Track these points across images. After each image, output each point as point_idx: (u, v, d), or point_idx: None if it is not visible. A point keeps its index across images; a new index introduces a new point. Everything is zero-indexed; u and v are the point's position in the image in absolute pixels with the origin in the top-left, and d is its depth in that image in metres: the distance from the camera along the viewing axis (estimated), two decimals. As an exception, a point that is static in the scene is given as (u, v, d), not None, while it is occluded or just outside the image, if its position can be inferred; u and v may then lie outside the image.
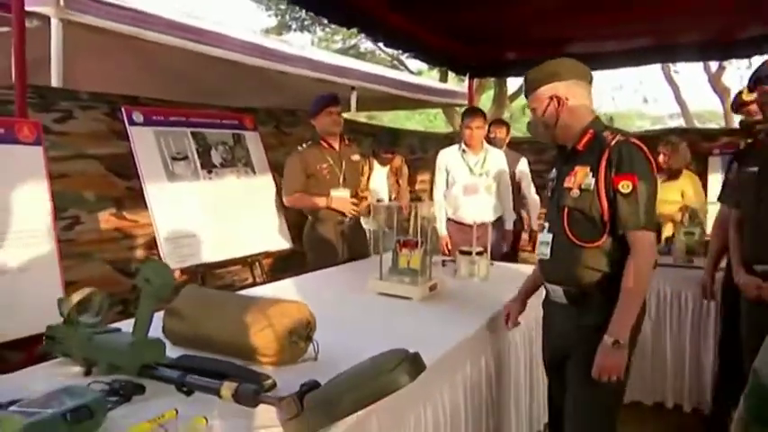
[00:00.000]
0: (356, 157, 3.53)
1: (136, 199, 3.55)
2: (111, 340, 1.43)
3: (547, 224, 1.90)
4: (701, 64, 12.84)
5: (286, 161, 3.36)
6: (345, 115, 5.90)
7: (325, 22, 16.35)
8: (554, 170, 1.95)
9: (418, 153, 6.53)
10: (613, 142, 1.71)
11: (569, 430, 1.83)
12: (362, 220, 3.46)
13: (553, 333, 1.95)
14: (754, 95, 2.47)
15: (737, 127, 3.33)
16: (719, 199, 2.63)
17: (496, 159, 3.89)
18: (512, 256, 4.22)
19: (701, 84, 13.76)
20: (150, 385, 1.36)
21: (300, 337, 1.58)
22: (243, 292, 2.23)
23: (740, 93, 2.69)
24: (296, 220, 3.78)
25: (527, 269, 3.11)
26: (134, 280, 1.41)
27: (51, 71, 3.40)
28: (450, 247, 3.62)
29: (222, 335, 1.57)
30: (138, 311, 1.41)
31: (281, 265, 3.70)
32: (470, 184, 3.81)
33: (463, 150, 3.83)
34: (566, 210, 1.78)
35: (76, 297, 1.52)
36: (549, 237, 1.86)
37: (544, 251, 1.87)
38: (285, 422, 1.15)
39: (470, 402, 1.90)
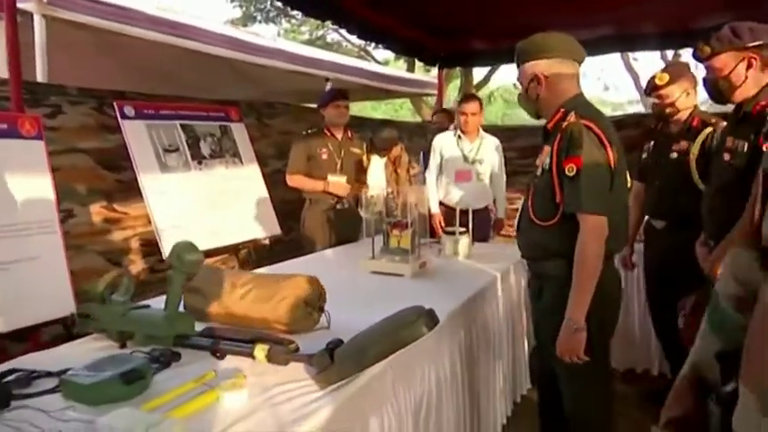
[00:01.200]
0: (356, 150, 3.75)
1: (125, 191, 3.65)
2: (146, 314, 1.57)
3: (522, 201, 2.00)
4: (658, 53, 13.29)
5: (292, 144, 3.65)
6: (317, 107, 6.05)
7: (292, 13, 16.37)
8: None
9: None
10: (565, 124, 1.73)
11: (566, 395, 1.90)
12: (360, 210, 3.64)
13: (531, 306, 2.08)
14: (666, 78, 2.64)
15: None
16: (635, 178, 2.87)
17: (491, 147, 3.96)
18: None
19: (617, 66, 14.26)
20: (184, 353, 1.51)
21: (314, 307, 1.74)
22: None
23: (654, 77, 2.73)
24: (285, 208, 3.92)
25: (506, 248, 3.33)
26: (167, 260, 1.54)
27: (36, 66, 3.45)
28: (442, 225, 3.70)
29: (241, 307, 1.72)
30: (170, 287, 1.55)
31: (271, 252, 3.83)
32: (464, 170, 3.89)
33: (459, 136, 3.91)
34: (531, 188, 1.87)
35: (108, 278, 1.65)
36: (519, 212, 1.97)
37: (516, 225, 1.99)
38: (317, 375, 1.31)
39: (465, 364, 2.10)
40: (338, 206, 3.62)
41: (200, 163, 3.32)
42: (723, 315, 0.67)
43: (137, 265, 3.73)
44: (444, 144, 3.99)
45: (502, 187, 4.05)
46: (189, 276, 1.54)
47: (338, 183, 3.58)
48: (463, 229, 2.99)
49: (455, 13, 5.04)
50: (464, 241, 2.97)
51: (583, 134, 1.67)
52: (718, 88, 2.12)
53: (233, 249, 3.57)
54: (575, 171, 1.66)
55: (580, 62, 1.86)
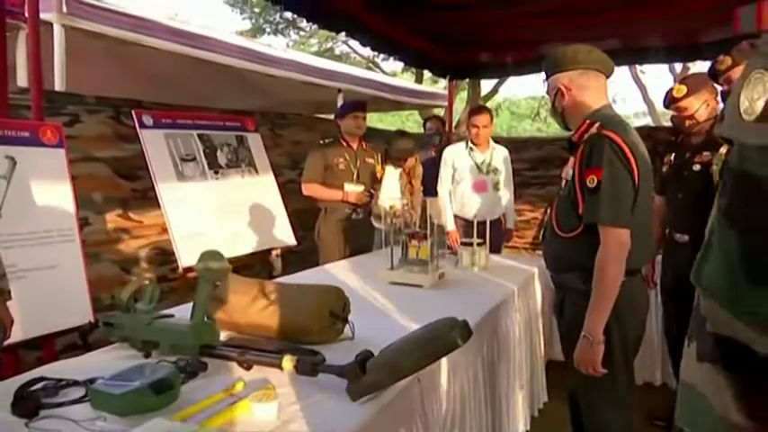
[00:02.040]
0: (371, 160, 3.77)
1: (140, 200, 3.65)
2: (172, 324, 1.55)
3: (549, 213, 2.03)
4: (666, 65, 13.32)
5: (308, 153, 3.68)
6: (331, 117, 6.07)
7: (301, 25, 16.50)
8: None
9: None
10: (587, 135, 1.73)
11: (583, 408, 1.89)
12: (373, 220, 3.62)
13: (556, 318, 2.04)
14: (684, 90, 2.62)
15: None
16: (655, 191, 2.85)
17: (501, 157, 3.97)
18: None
19: (668, 84, 14.30)
20: (211, 363, 1.49)
21: (338, 318, 1.72)
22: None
23: (671, 89, 2.71)
24: (297, 218, 3.92)
25: (522, 260, 3.32)
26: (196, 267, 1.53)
27: (55, 76, 3.47)
28: (458, 242, 3.63)
29: (265, 318, 1.70)
30: (197, 296, 1.54)
31: (284, 262, 3.82)
32: (479, 181, 3.88)
33: (470, 148, 3.91)
34: (556, 199, 1.89)
35: (132, 287, 1.64)
36: (546, 223, 1.99)
37: (542, 237, 2.03)
38: (348, 386, 1.29)
39: (487, 377, 2.07)
40: (353, 216, 3.62)
41: (216, 172, 3.32)
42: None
43: (149, 273, 3.73)
44: (456, 156, 3.98)
45: (510, 198, 4.05)
46: (215, 285, 1.52)
47: (355, 191, 3.59)
48: (480, 241, 2.97)
49: (465, 26, 5.08)
50: (482, 253, 2.95)
51: (604, 146, 1.65)
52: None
53: (249, 258, 3.56)
54: (595, 183, 1.65)
55: (607, 74, 1.84)
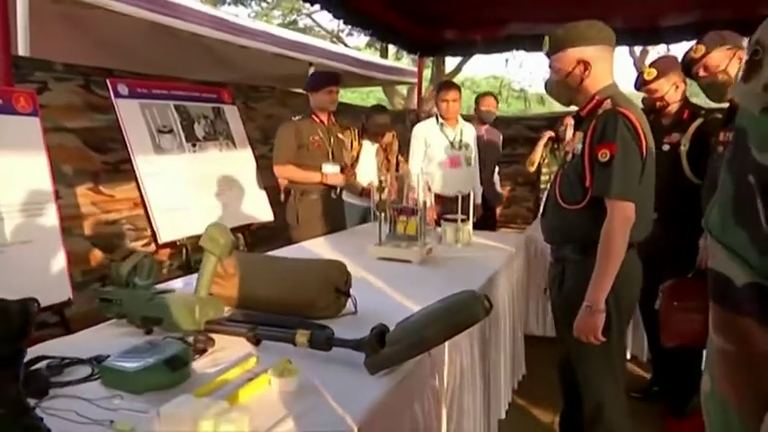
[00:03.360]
0: (341, 137, 3.65)
1: (111, 173, 3.52)
2: (174, 299, 1.50)
3: (549, 186, 2.01)
4: (626, 48, 13.55)
5: (278, 130, 3.40)
6: (303, 91, 5.96)
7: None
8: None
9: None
10: (601, 111, 1.76)
11: (579, 377, 1.94)
12: (347, 197, 3.56)
13: (551, 289, 2.05)
14: (654, 73, 2.72)
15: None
16: None
17: (470, 133, 4.03)
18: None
19: (627, 66, 14.55)
20: (217, 339, 1.46)
21: (341, 292, 1.71)
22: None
23: (642, 72, 2.81)
24: (270, 194, 3.84)
25: (504, 235, 3.36)
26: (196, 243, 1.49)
27: (18, 41, 3.28)
28: (436, 217, 3.57)
29: (268, 293, 1.68)
30: (201, 270, 1.50)
31: (264, 237, 3.76)
32: (454, 156, 3.91)
33: (441, 124, 3.93)
34: (560, 172, 1.91)
35: (131, 262, 1.58)
36: (546, 197, 1.99)
37: (543, 210, 2.02)
38: (367, 360, 1.29)
39: (481, 349, 2.10)
40: (333, 195, 3.51)
41: (194, 145, 3.22)
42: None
43: (122, 249, 3.61)
44: (428, 133, 3.98)
45: (477, 173, 4.13)
46: (222, 258, 1.48)
47: (335, 174, 3.44)
48: (464, 217, 2.98)
49: (435, 2, 5.06)
50: (465, 229, 2.97)
51: (618, 121, 1.69)
52: (716, 87, 2.27)
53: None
54: (608, 157, 1.69)
55: (614, 49, 1.90)
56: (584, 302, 1.74)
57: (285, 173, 3.40)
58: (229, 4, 16.44)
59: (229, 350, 1.43)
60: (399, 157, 4.54)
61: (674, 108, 2.76)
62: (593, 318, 1.73)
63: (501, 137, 4.69)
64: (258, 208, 3.59)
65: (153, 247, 3.72)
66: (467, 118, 4.26)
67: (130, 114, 2.93)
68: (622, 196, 1.69)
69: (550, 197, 1.93)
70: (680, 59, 2.58)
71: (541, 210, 2.03)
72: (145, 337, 1.51)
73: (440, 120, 3.95)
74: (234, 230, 3.57)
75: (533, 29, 5.51)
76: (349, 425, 1.10)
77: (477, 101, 4.62)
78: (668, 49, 13.38)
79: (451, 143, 3.93)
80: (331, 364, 1.36)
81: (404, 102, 14.26)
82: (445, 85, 4.10)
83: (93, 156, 3.37)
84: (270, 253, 2.75)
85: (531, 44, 6.01)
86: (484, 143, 4.40)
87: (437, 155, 3.94)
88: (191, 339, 1.41)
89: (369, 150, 4.33)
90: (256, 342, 1.45)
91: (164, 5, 4.22)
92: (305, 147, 3.38)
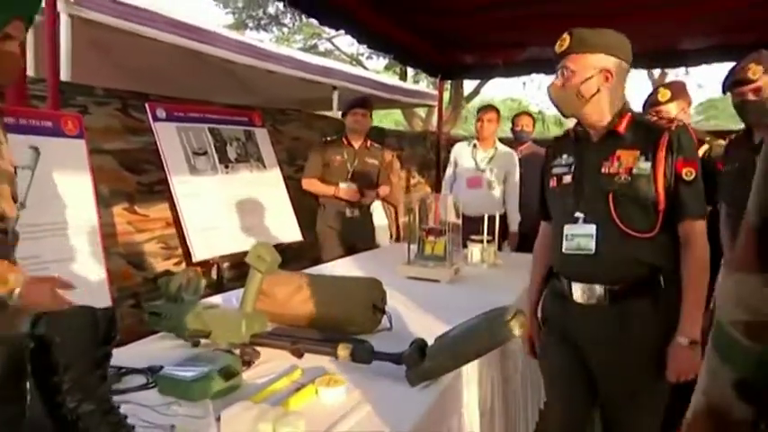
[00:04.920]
0: (372, 161, 3.78)
1: (146, 194, 3.64)
2: (222, 314, 1.58)
3: (581, 215, 1.68)
4: (644, 71, 13.59)
5: (311, 150, 3.74)
6: (327, 114, 6.10)
7: (284, 21, 16.43)
8: (564, 157, 1.79)
9: (396, 151, 6.75)
10: (674, 127, 1.64)
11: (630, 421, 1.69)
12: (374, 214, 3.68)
13: (581, 339, 1.73)
14: (668, 95, 2.71)
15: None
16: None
17: (506, 158, 4.00)
18: None
19: (646, 88, 14.60)
20: (262, 351, 1.53)
21: (378, 308, 1.77)
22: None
23: (656, 92, 2.76)
24: (305, 213, 3.96)
25: (526, 256, 3.35)
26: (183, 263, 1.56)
27: (61, 66, 3.43)
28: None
29: (307, 309, 1.74)
30: (248, 286, 1.57)
31: (293, 256, 3.84)
32: (473, 177, 3.96)
33: (474, 145, 4.01)
34: (611, 196, 1.62)
35: (180, 278, 1.66)
36: (590, 228, 1.65)
37: (584, 245, 1.66)
38: (408, 372, 1.34)
39: (512, 370, 2.14)
40: (348, 213, 3.66)
41: (226, 167, 3.33)
42: (733, 344, 0.61)
43: (155, 267, 3.71)
44: (459, 152, 4.09)
45: (514, 201, 4.03)
46: (268, 274, 1.56)
47: (348, 189, 3.63)
48: (489, 238, 3.04)
49: (456, 27, 5.19)
50: (491, 250, 3.02)
51: (692, 138, 1.64)
52: (760, 109, 2.20)
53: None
54: (693, 175, 1.59)
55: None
56: (682, 339, 1.55)
57: (309, 186, 3.68)
58: (251, 29, 16.86)
59: (274, 363, 1.50)
60: (411, 178, 4.67)
61: None
62: (695, 352, 1.53)
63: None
64: (287, 228, 3.69)
65: (183, 265, 3.83)
66: (507, 141, 4.26)
67: (168, 137, 3.05)
68: (704, 215, 1.62)
69: (604, 228, 1.64)
70: (725, 77, 2.47)
71: (579, 245, 1.69)
72: (192, 350, 1.59)
73: (473, 141, 4.04)
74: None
75: (552, 52, 5.62)
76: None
77: (513, 121, 4.58)
78: (687, 71, 13.46)
79: (477, 164, 3.98)
80: (372, 376, 1.42)
81: (422, 123, 14.40)
82: (485, 106, 4.22)
83: (128, 177, 3.49)
84: (303, 272, 2.84)
85: (550, 67, 6.10)
86: (524, 161, 4.24)
87: (463, 174, 4.01)
88: (237, 352, 1.48)
89: None
90: (299, 355, 1.51)
91: (195, 32, 4.38)
92: (327, 165, 3.65)
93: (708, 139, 2.76)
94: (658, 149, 1.61)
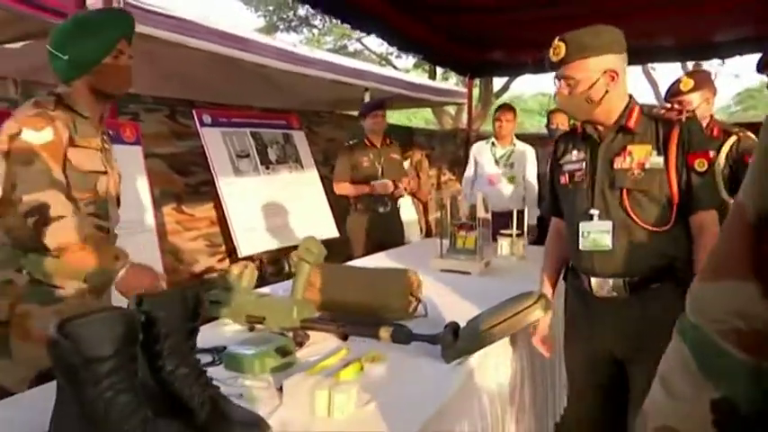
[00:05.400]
0: (395, 156, 3.99)
1: (192, 194, 3.88)
2: (275, 301, 1.77)
3: (596, 211, 1.69)
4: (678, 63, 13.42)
5: (338, 155, 3.89)
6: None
7: (314, 23, 16.70)
8: (574, 153, 1.79)
9: (426, 149, 6.90)
10: (683, 119, 1.63)
11: None
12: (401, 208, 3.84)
13: (606, 332, 1.75)
14: (691, 84, 2.61)
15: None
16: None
17: (523, 155, 4.19)
18: None
19: (637, 75, 14.37)
20: (311, 335, 1.71)
21: (414, 296, 1.93)
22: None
23: (678, 81, 2.65)
24: (340, 211, 4.15)
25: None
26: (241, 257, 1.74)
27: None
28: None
29: (350, 297, 1.92)
30: (298, 276, 1.75)
31: (330, 252, 4.04)
32: (493, 174, 4.15)
33: (492, 143, 4.19)
34: (625, 192, 1.64)
35: (237, 269, 1.85)
36: (606, 225, 1.66)
37: (601, 242, 1.67)
38: (443, 351, 1.50)
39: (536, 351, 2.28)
40: (381, 209, 3.84)
41: (267, 168, 3.54)
42: (725, 357, 0.53)
43: (200, 264, 3.95)
44: (479, 151, 4.26)
45: (532, 196, 4.19)
46: (316, 266, 1.73)
47: (383, 183, 3.81)
48: (519, 232, 3.17)
49: (484, 26, 5.30)
50: (520, 243, 3.15)
51: (702, 129, 1.65)
52: None
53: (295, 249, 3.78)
54: (706, 166, 1.59)
55: None
56: None
57: (341, 190, 3.86)
58: (282, 30, 17.17)
59: (321, 344, 1.67)
60: (442, 175, 4.83)
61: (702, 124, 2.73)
62: None
63: None
64: (324, 225, 3.88)
65: (227, 262, 4.06)
66: (540, 137, 4.39)
67: (213, 141, 3.27)
68: (717, 206, 1.63)
69: (620, 223, 1.66)
70: (760, 57, 2.43)
71: (595, 241, 1.70)
72: (249, 334, 1.78)
73: (492, 139, 4.20)
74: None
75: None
76: (434, 403, 1.32)
77: (548, 117, 4.64)
78: (723, 62, 13.24)
79: (496, 161, 4.16)
80: (411, 355, 1.58)
81: (452, 121, 14.50)
82: (502, 106, 4.37)
83: (176, 179, 3.74)
84: (345, 264, 3.02)
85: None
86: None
87: (484, 172, 4.18)
88: (290, 335, 1.66)
89: None
90: (344, 337, 1.68)
91: (233, 39, 4.59)
92: (356, 167, 3.82)
93: (736, 130, 2.70)
94: (670, 143, 1.61)
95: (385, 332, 1.60)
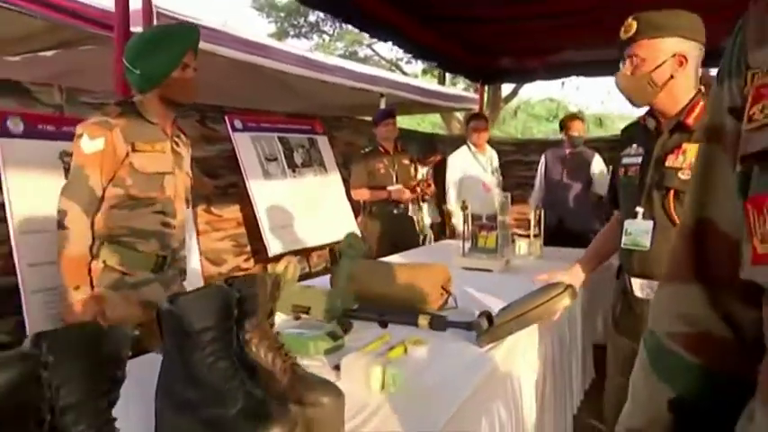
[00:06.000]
0: (406, 161, 4.20)
1: (221, 196, 4.04)
2: (318, 292, 1.91)
3: (641, 210, 1.68)
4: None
5: (353, 162, 4.07)
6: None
7: (324, 29, 16.93)
8: (633, 147, 1.77)
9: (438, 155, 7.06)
10: None
11: None
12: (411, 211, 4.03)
13: (638, 333, 1.83)
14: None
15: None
16: None
17: (496, 158, 4.56)
18: None
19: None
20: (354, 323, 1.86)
21: (445, 289, 2.08)
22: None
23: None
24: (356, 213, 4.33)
25: (574, 250, 3.63)
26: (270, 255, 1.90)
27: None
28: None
29: (387, 289, 2.07)
30: (340, 269, 1.91)
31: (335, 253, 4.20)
32: (488, 181, 4.39)
33: (473, 152, 4.43)
34: (672, 193, 1.59)
35: (283, 264, 2.00)
36: (647, 225, 1.65)
37: (641, 241, 1.67)
38: (478, 336, 1.65)
39: (558, 347, 2.42)
40: (395, 211, 4.01)
41: (294, 171, 3.70)
42: (670, 356, 0.57)
43: (228, 264, 4.11)
44: (464, 161, 4.46)
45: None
46: (357, 259, 1.89)
47: (399, 189, 3.98)
48: (537, 232, 3.32)
49: (494, 34, 5.48)
50: (537, 243, 3.30)
51: None
52: None
53: (320, 248, 3.94)
54: None
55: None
56: None
57: (358, 195, 4.03)
58: (293, 36, 17.42)
59: (364, 331, 1.82)
60: None
61: None
62: None
63: (595, 156, 4.44)
64: (347, 225, 4.04)
65: (252, 262, 4.22)
66: (551, 143, 4.58)
67: (244, 145, 3.43)
68: None
69: (661, 224, 1.64)
70: None
71: (635, 241, 1.70)
72: (295, 322, 1.93)
73: (471, 147, 4.44)
74: (327, 245, 4.06)
75: (590, 55, 5.86)
76: (472, 383, 1.46)
77: (565, 125, 4.52)
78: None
79: (484, 169, 4.43)
80: (448, 341, 1.73)
81: (460, 125, 14.66)
82: (475, 116, 4.73)
83: (207, 181, 3.90)
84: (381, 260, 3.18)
85: (589, 70, 6.36)
86: (569, 161, 4.48)
87: (475, 180, 4.38)
88: (334, 323, 1.81)
89: (420, 172, 4.86)
90: (385, 325, 1.83)
91: (256, 47, 4.77)
92: (372, 173, 3.99)
93: None
94: None
95: (423, 320, 1.76)
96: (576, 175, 4.39)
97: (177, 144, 2.17)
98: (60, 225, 1.91)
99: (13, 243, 2.26)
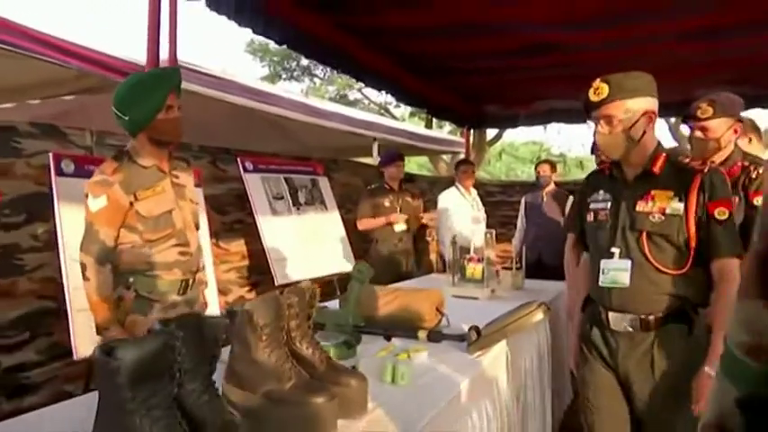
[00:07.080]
0: (409, 199, 4.58)
1: (227, 231, 4.37)
2: (332, 312, 2.24)
3: (616, 250, 1.79)
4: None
5: (360, 197, 4.47)
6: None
7: (315, 72, 17.53)
8: (600, 193, 1.89)
9: (428, 195, 7.46)
10: (706, 169, 1.70)
11: None
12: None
13: (621, 364, 1.83)
14: (710, 112, 2.32)
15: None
16: None
17: (479, 198, 5.09)
18: None
19: (663, 131, 15.23)
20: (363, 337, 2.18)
21: (439, 310, 2.42)
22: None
23: (697, 107, 2.40)
24: (359, 247, 4.66)
25: (552, 282, 3.97)
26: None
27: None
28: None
29: (388, 310, 2.40)
30: (351, 291, 2.23)
31: (341, 284, 4.51)
32: (476, 216, 4.89)
33: (461, 192, 4.95)
34: (645, 235, 1.73)
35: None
36: (625, 263, 1.76)
37: (620, 279, 1.77)
38: (468, 346, 1.98)
39: (536, 355, 2.75)
40: (399, 245, 4.36)
41: (298, 209, 4.05)
42: (736, 362, 0.65)
43: (233, 294, 4.40)
44: (454, 200, 4.92)
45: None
46: (365, 284, 2.22)
47: (397, 215, 4.37)
48: (519, 266, 3.67)
49: (484, 84, 5.95)
50: (520, 275, 3.65)
51: (725, 179, 1.71)
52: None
53: (321, 280, 4.25)
54: (726, 215, 1.65)
55: None
56: (707, 370, 1.60)
57: (364, 225, 4.38)
58: (285, 80, 18.00)
59: (371, 344, 2.14)
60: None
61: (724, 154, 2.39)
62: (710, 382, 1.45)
63: (569, 197, 4.75)
64: (346, 260, 4.37)
65: (254, 293, 4.52)
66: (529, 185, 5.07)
67: (254, 184, 3.78)
68: (740, 254, 1.65)
69: (638, 263, 1.75)
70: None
71: (613, 279, 1.80)
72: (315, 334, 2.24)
73: (459, 188, 4.95)
74: (327, 277, 4.37)
75: (570, 104, 6.35)
76: (464, 381, 1.79)
77: (536, 168, 5.23)
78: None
79: (472, 206, 4.94)
80: (442, 351, 2.06)
81: (447, 167, 15.16)
82: (464, 162, 5.27)
83: (215, 217, 4.22)
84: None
85: (570, 117, 6.84)
86: (547, 199, 4.98)
87: (466, 217, 4.83)
88: (347, 336, 2.13)
89: None
90: (389, 338, 2.16)
91: (259, 94, 5.16)
92: (378, 207, 4.36)
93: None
94: (690, 191, 1.68)
95: (422, 333, 2.09)
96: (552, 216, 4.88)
97: (177, 176, 2.27)
98: (83, 276, 2.09)
99: (63, 268, 2.57)
